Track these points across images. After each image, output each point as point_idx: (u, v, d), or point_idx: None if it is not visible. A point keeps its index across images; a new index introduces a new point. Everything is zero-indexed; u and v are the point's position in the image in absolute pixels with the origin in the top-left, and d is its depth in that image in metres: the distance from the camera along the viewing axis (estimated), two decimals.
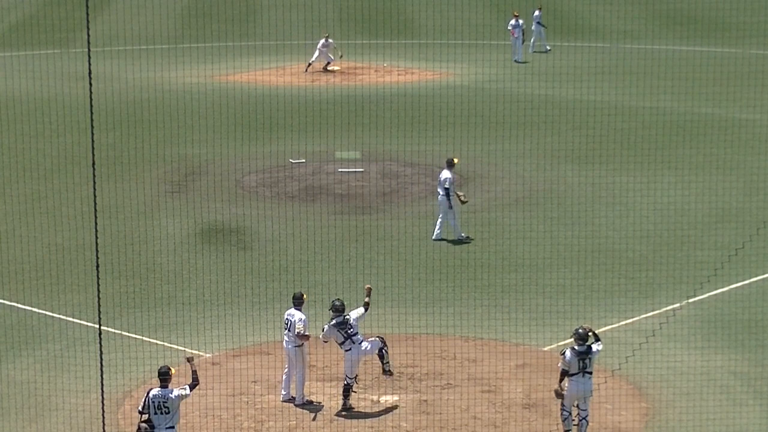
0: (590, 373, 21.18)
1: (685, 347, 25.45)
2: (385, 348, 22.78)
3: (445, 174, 31.92)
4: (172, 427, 19.73)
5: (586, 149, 40.27)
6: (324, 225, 33.29)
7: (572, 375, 21.11)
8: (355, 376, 22.62)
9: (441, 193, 31.98)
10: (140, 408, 19.93)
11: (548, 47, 62.10)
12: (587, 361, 21.08)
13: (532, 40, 61.63)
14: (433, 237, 32.26)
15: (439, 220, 32.29)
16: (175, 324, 26.81)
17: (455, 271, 29.88)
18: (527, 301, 28.01)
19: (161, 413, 19.66)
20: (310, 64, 56.72)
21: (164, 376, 19.82)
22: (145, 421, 19.76)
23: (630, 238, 32.46)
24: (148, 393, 19.84)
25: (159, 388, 19.80)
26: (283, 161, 40.40)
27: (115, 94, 48.88)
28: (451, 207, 31.92)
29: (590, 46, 62.86)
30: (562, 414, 21.59)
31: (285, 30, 61.90)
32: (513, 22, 59.01)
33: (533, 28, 61.89)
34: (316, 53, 56.73)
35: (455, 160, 32.50)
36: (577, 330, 21.30)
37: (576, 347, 21.10)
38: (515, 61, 58.49)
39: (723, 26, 67.35)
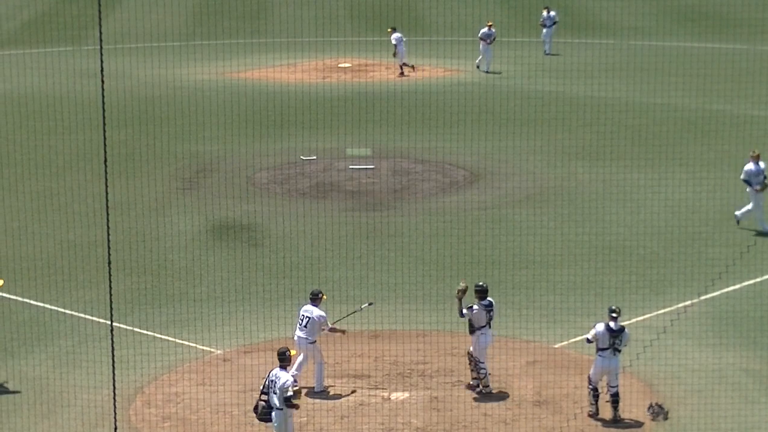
0: (619, 351, 21.94)
1: (697, 344, 25.43)
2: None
3: (750, 166, 32.88)
4: (281, 409, 20.06)
5: (597, 146, 40.23)
6: (335, 222, 33.32)
7: (601, 350, 21.86)
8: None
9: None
10: (262, 387, 20.32)
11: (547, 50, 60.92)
12: (619, 339, 21.88)
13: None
14: (738, 214, 33.11)
15: (749, 207, 33.02)
16: (187, 320, 26.87)
17: (466, 268, 29.86)
18: (538, 298, 27.99)
19: (275, 394, 20.08)
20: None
21: (282, 356, 20.20)
22: (264, 401, 20.18)
23: (641, 235, 32.44)
24: (269, 374, 20.19)
25: (279, 369, 20.13)
26: (294, 158, 40.43)
27: (127, 91, 48.96)
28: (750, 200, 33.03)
29: (601, 42, 62.80)
30: (588, 387, 22.15)
31: (297, 27, 61.93)
32: (485, 30, 57.35)
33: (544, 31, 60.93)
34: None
35: (756, 152, 33.27)
36: (611, 307, 22.04)
37: (612, 325, 21.84)
38: (486, 71, 56.28)
39: (735, 22, 67.23)
